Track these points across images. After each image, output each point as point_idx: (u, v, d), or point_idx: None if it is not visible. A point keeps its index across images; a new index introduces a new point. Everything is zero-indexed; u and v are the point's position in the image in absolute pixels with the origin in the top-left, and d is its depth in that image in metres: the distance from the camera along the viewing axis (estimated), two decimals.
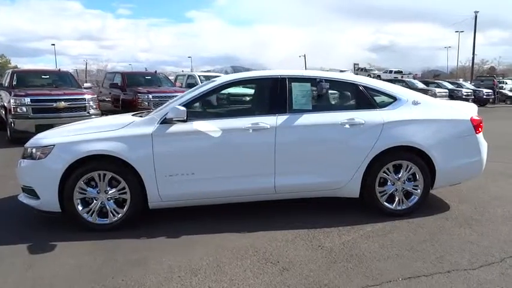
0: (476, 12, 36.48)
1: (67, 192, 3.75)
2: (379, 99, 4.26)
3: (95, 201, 3.83)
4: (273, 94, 4.10)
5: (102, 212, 3.87)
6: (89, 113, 9.95)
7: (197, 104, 4.07)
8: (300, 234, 3.73)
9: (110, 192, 3.82)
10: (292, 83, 4.11)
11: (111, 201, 3.85)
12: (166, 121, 3.84)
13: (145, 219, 4.06)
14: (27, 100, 9.26)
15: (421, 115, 4.15)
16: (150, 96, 11.11)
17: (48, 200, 3.79)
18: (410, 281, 2.84)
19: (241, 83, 4.33)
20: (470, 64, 42.30)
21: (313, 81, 4.17)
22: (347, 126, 4.01)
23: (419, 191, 4.17)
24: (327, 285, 2.80)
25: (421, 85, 24.07)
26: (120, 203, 3.88)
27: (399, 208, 4.16)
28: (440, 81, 29.39)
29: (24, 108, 9.24)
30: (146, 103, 11.06)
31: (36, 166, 3.83)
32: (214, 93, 4.16)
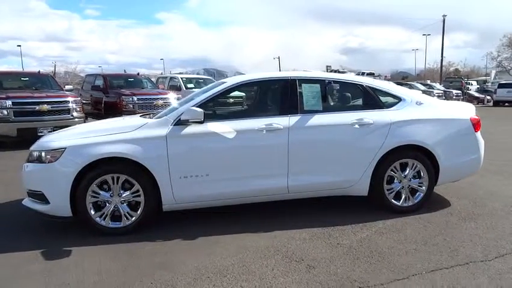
0: (444, 15, 37.92)
1: (79, 196, 3.67)
2: (384, 99, 4.39)
3: (107, 205, 3.77)
4: (284, 95, 4.15)
5: (115, 216, 3.81)
6: (72, 116, 9.72)
7: (209, 105, 4.06)
8: (316, 232, 3.79)
9: (123, 195, 3.77)
10: (302, 84, 4.17)
11: (125, 204, 3.80)
12: (180, 122, 3.83)
13: (156, 222, 4.02)
14: (9, 103, 8.93)
15: (425, 115, 4.30)
16: (135, 98, 10.93)
17: (59, 204, 3.70)
18: (435, 274, 2.95)
19: (252, 85, 4.37)
20: (437, 66, 43.94)
21: (322, 82, 4.25)
22: (357, 126, 4.11)
23: (424, 188, 4.32)
24: (356, 281, 2.87)
25: None
26: (133, 206, 3.83)
27: (406, 205, 4.29)
28: (412, 83, 30.35)
29: (5, 112, 8.91)
30: (131, 106, 10.90)
31: (46, 170, 3.72)
32: (225, 94, 4.16)
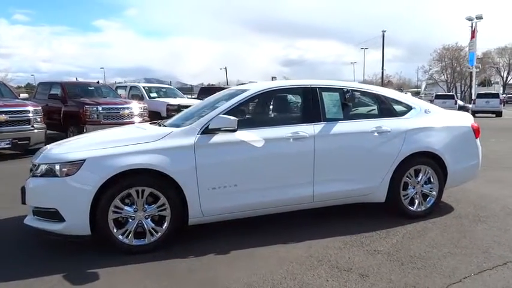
0: (383, 31, 40.43)
1: (100, 212, 3.36)
2: (397, 108, 4.52)
3: (130, 221, 3.48)
4: (307, 103, 4.13)
5: (137, 232, 3.53)
6: (33, 127, 8.95)
7: (233, 113, 3.91)
8: (347, 240, 3.78)
9: (148, 209, 3.50)
10: (323, 93, 4.19)
11: (149, 219, 3.53)
12: (207, 131, 3.66)
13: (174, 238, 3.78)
14: None
15: (434, 123, 4.49)
16: (100, 108, 10.32)
17: (77, 222, 3.36)
18: (483, 276, 3.05)
19: (275, 92, 4.27)
20: (375, 78, 46.63)
21: (341, 90, 4.29)
22: (376, 134, 4.19)
23: (434, 193, 4.48)
24: (415, 287, 2.88)
25: None
26: (156, 221, 3.58)
27: (419, 210, 4.42)
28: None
29: None
30: (95, 115, 10.28)
31: (61, 185, 3.36)
32: (248, 102, 4.06)
